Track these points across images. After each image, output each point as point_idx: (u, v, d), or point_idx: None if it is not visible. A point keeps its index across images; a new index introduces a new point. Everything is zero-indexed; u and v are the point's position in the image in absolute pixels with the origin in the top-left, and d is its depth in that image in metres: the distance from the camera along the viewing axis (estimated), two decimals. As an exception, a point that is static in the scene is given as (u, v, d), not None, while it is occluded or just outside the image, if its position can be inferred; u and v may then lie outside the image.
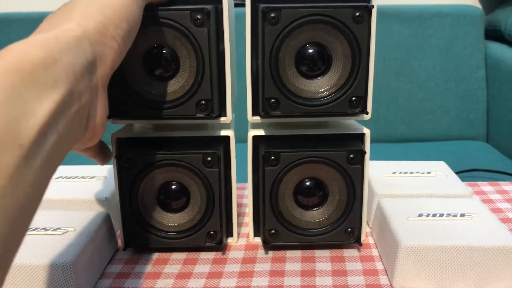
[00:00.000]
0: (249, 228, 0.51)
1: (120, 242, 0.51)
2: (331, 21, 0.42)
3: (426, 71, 1.20)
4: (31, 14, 1.24)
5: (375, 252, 0.49)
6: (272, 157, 0.46)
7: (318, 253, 0.49)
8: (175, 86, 0.44)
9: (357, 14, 0.42)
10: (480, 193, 0.64)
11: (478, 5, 1.35)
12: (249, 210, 0.50)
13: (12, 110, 0.24)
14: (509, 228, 0.54)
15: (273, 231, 0.48)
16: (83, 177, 0.59)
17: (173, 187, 0.47)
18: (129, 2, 0.35)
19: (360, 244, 0.49)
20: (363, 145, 0.47)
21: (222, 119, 0.46)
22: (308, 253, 0.49)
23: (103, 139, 0.44)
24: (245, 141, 0.48)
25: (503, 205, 0.60)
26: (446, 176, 0.59)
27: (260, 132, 0.48)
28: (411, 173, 0.60)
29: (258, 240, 0.51)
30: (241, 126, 0.60)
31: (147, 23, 0.41)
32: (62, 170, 0.61)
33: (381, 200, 0.51)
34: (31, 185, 0.25)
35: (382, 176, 0.59)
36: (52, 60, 0.28)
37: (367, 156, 0.46)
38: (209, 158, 0.46)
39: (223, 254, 0.49)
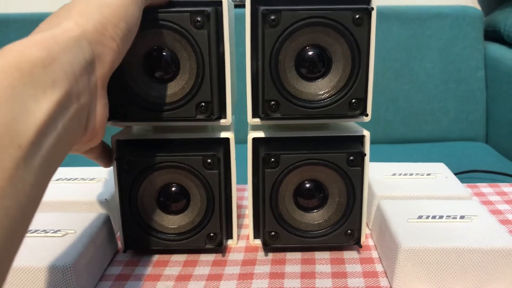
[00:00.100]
0: (249, 230, 0.51)
1: (120, 244, 0.51)
2: (331, 24, 0.42)
3: (426, 72, 1.20)
4: (30, 15, 1.24)
5: (375, 254, 0.49)
6: (272, 159, 0.46)
7: (318, 255, 0.49)
8: (175, 88, 0.44)
9: (357, 16, 0.42)
10: (479, 194, 0.64)
11: (478, 6, 1.35)
12: (249, 212, 0.50)
13: (11, 110, 0.24)
14: (509, 230, 0.54)
15: (273, 233, 0.48)
16: (83, 179, 0.59)
17: (173, 189, 0.47)
18: (128, 2, 0.35)
19: (360, 246, 0.49)
20: (363, 147, 0.47)
21: (222, 121, 0.46)
22: (308, 255, 0.49)
23: (103, 141, 0.44)
24: (245, 143, 0.48)
25: (502, 207, 0.60)
26: (446, 177, 0.59)
27: (260, 134, 0.48)
28: (411, 174, 0.60)
29: (258, 242, 0.51)
30: (241, 128, 0.60)
31: (147, 25, 0.41)
32: (62, 171, 0.61)
33: (381, 202, 0.52)
34: (30, 185, 0.25)
35: (382, 178, 0.59)
36: (51, 60, 0.28)
37: (367, 158, 0.47)
38: (209, 160, 0.46)
39: (223, 256, 0.49)
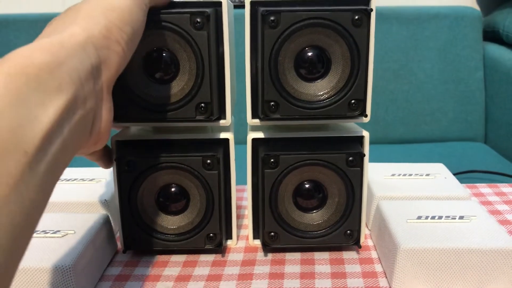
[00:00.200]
0: (248, 230, 0.51)
1: (119, 245, 0.51)
2: (330, 25, 0.42)
3: (425, 72, 1.20)
4: (30, 15, 1.23)
5: (374, 254, 0.49)
6: (272, 160, 0.46)
7: (318, 255, 0.49)
8: (175, 89, 0.44)
9: (356, 17, 0.42)
10: (478, 195, 0.64)
11: (476, 6, 1.35)
12: (248, 212, 0.50)
13: (17, 116, 0.24)
14: (508, 230, 0.54)
15: (272, 233, 0.48)
16: (83, 180, 0.59)
17: (173, 189, 0.47)
18: (133, 6, 0.35)
19: (359, 246, 0.49)
20: (362, 148, 0.48)
21: (222, 121, 0.46)
22: (307, 255, 0.49)
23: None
24: (245, 143, 0.48)
25: (501, 207, 0.60)
26: (445, 178, 0.59)
27: (260, 134, 0.48)
28: (410, 175, 0.60)
29: (257, 242, 0.51)
30: (240, 129, 0.60)
31: (147, 26, 0.41)
32: (62, 172, 0.61)
33: (380, 202, 0.52)
34: (35, 190, 0.24)
35: (381, 178, 0.59)
36: (57, 65, 0.28)
37: (366, 158, 0.47)
38: (208, 161, 0.46)
39: (223, 256, 0.49)
